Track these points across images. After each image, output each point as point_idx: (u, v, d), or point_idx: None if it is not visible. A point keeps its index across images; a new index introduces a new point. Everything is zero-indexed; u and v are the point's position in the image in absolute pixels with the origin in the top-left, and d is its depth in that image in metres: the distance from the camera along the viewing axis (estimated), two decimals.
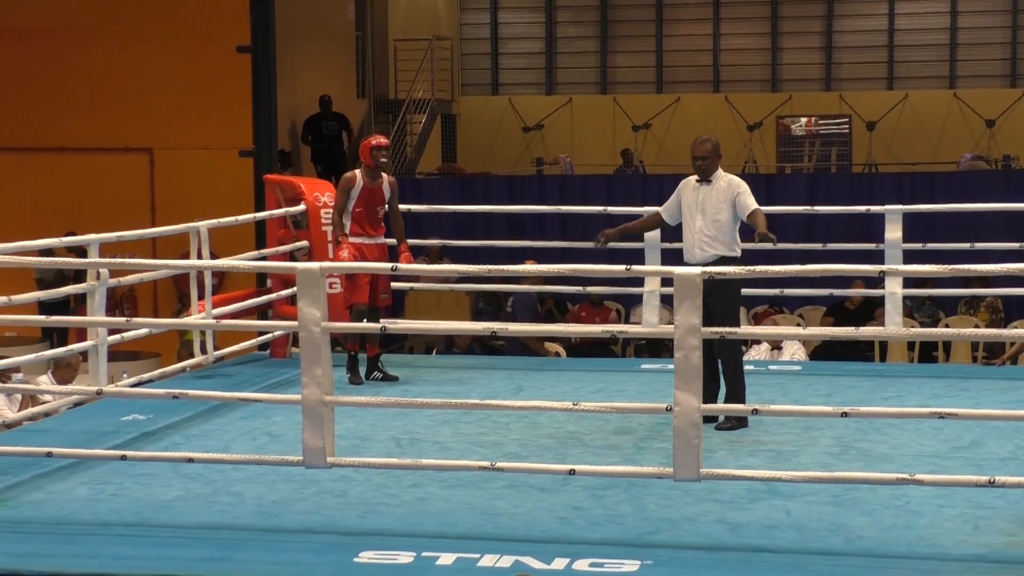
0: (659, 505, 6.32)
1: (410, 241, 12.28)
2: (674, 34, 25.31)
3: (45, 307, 13.61)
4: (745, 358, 11.78)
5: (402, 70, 22.99)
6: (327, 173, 19.11)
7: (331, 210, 10.17)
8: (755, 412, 6.29)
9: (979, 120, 23.17)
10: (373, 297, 9.27)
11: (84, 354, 8.57)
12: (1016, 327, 13.90)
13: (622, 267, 6.33)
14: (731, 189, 8.09)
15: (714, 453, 7.15)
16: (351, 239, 9.19)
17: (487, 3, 25.88)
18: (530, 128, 24.53)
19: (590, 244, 8.89)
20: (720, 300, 7.80)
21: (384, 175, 9.32)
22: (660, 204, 8.52)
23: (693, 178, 8.23)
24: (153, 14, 16.65)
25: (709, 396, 7.97)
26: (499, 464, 6.22)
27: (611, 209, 11.44)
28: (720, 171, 8.21)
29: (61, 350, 9.01)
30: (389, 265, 6.45)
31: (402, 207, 9.69)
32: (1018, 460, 7.13)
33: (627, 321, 15.69)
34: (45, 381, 10.13)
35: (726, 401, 8.04)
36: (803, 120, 23.78)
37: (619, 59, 25.57)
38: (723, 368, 8.11)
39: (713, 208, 8.07)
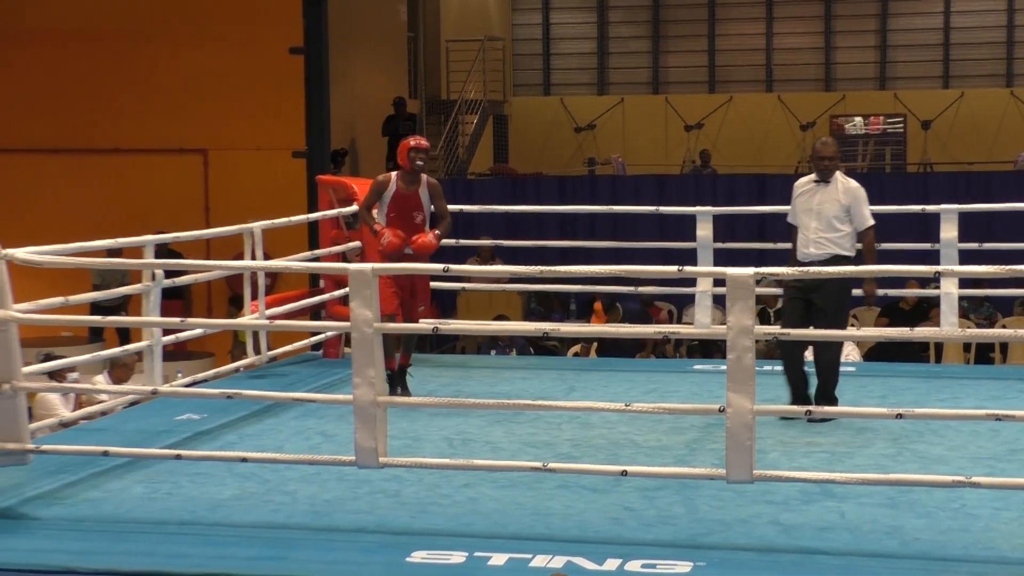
0: (711, 506, 6.30)
1: (462, 242, 12.37)
2: (727, 33, 25.22)
3: (98, 308, 13.74)
4: None
5: (454, 71, 23.03)
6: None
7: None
8: (809, 414, 6.25)
9: None
10: (407, 311, 8.67)
11: (139, 354, 8.63)
12: None
13: (674, 268, 6.31)
14: (848, 195, 8.28)
15: (767, 454, 7.12)
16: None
17: (539, 3, 25.88)
18: (582, 128, 24.50)
19: (642, 244, 8.89)
20: (826, 297, 8.02)
21: (423, 178, 8.77)
22: (713, 204, 8.54)
23: (805, 178, 8.44)
24: (207, 16, 16.76)
25: (799, 391, 8.22)
26: (551, 465, 6.22)
27: (663, 209, 11.42)
28: (838, 173, 8.40)
29: (117, 350, 9.08)
30: (441, 266, 6.45)
31: (454, 207, 9.58)
32: None
33: (679, 322, 15.65)
34: (101, 381, 10.22)
35: (817, 393, 8.19)
36: (858, 120, 23.62)
37: (671, 59, 25.50)
38: (822, 363, 8.26)
39: (832, 212, 8.26)
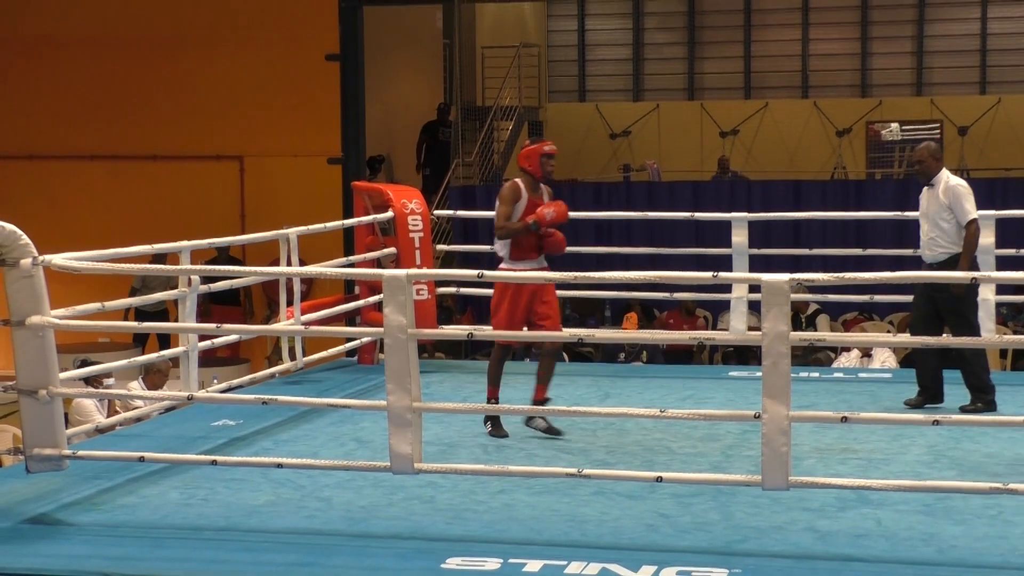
0: (747, 513, 6.27)
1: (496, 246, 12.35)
2: (762, 39, 25.14)
3: (141, 314, 13.81)
4: (835, 365, 11.72)
5: (489, 77, 23.04)
6: (435, 176, 19.27)
7: (418, 217, 10.24)
8: (845, 420, 6.22)
9: None
10: (540, 328, 7.92)
11: (175, 360, 8.67)
12: None
13: (709, 274, 6.29)
14: (948, 193, 8.52)
15: (803, 461, 7.09)
16: (509, 267, 7.93)
17: (575, 10, 25.87)
18: (617, 135, 24.47)
19: (678, 250, 8.90)
20: (946, 305, 8.36)
21: (543, 187, 8.11)
22: (748, 210, 8.54)
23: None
24: (243, 23, 16.84)
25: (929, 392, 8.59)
26: (586, 471, 6.21)
27: (698, 215, 11.39)
28: (943, 173, 8.65)
29: (152, 356, 9.12)
30: (475, 272, 6.44)
31: (488, 213, 9.55)
32: None
33: (715, 328, 15.61)
34: (136, 387, 10.26)
35: (968, 382, 8.53)
36: (894, 125, 23.49)
37: (707, 65, 25.44)
38: (966, 371, 8.58)
39: (935, 212, 8.54)
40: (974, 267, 8.59)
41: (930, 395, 8.70)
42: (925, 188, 8.70)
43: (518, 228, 7.87)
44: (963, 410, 8.43)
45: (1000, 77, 24.10)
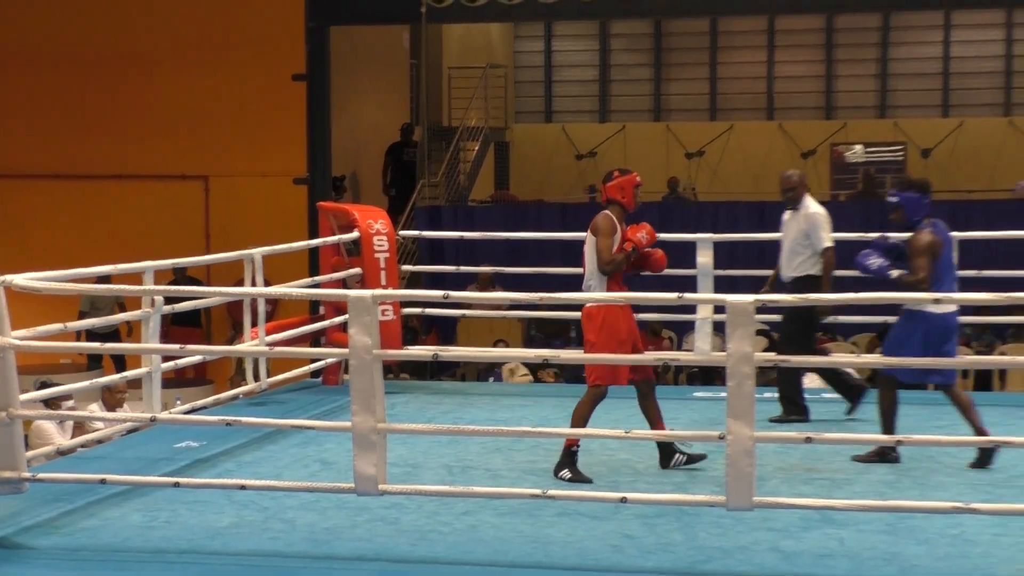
0: (711, 533, 6.27)
1: (463, 268, 12.36)
2: (728, 61, 25.26)
3: (93, 336, 13.71)
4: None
5: (456, 98, 23.06)
6: (401, 199, 19.27)
7: (383, 237, 10.22)
8: (809, 440, 6.24)
9: None
10: (641, 370, 7.59)
11: (133, 380, 8.61)
12: None
13: (674, 295, 6.31)
14: (808, 220, 9.00)
15: (767, 481, 7.10)
16: (603, 304, 7.48)
17: (541, 32, 25.93)
18: (583, 155, 24.53)
19: (643, 272, 8.90)
20: (786, 322, 8.82)
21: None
22: (713, 231, 8.62)
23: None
24: (209, 42, 16.80)
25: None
26: (551, 492, 6.20)
27: (664, 236, 11.39)
28: (807, 199, 9.11)
29: (115, 377, 9.06)
30: (441, 293, 6.43)
31: (453, 234, 9.58)
32: None
33: (680, 348, 15.63)
34: (96, 408, 10.19)
35: (783, 394, 8.97)
36: (858, 148, 23.64)
37: (673, 86, 25.55)
38: (779, 381, 8.99)
39: (794, 236, 8.99)
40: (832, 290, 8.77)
41: (796, 411, 9.02)
42: (789, 212, 9.11)
43: (622, 259, 7.59)
44: (773, 420, 8.85)
45: (962, 100, 24.29)
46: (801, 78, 25.05)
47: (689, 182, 23.01)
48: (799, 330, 8.99)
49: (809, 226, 9.02)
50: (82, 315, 14.37)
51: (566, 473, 7.30)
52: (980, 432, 7.69)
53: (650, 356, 7.13)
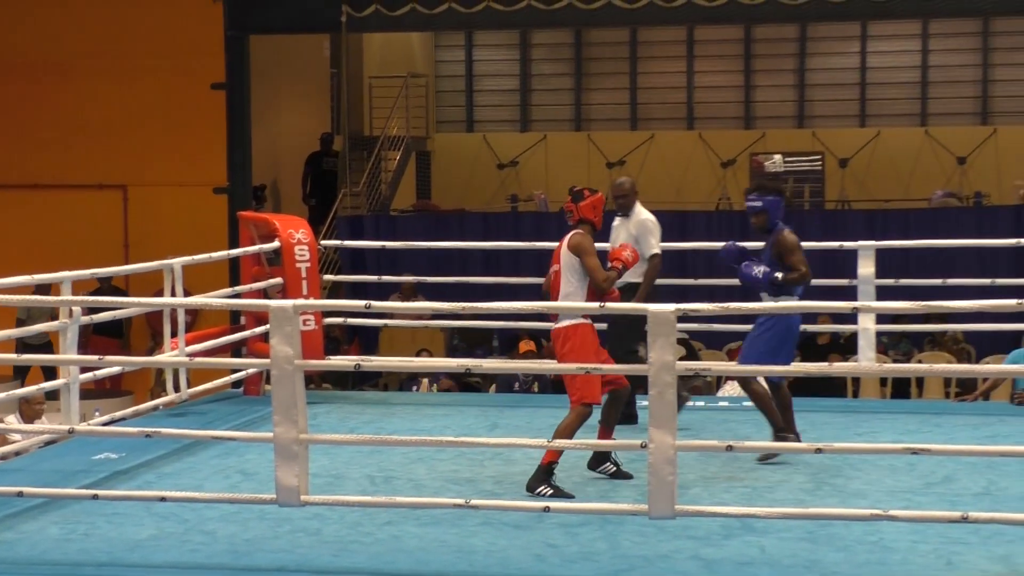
0: (634, 542, 6.30)
1: (384, 278, 12.33)
2: (648, 71, 25.39)
3: (25, 346, 13.54)
4: (720, 394, 11.84)
5: (377, 107, 23.01)
6: (321, 207, 19.18)
7: (305, 247, 10.18)
8: (730, 449, 6.29)
9: (951, 157, 23.29)
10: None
11: (49, 393, 8.51)
12: (988, 363, 13.95)
13: (595, 304, 6.35)
14: (638, 226, 9.08)
15: (689, 490, 7.15)
16: (583, 321, 7.41)
17: (462, 41, 25.94)
18: (505, 165, 24.55)
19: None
20: (613, 330, 8.79)
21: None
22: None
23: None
24: (128, 50, 16.65)
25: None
26: (474, 501, 6.21)
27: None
28: (637, 206, 9.20)
29: (32, 388, 8.96)
30: (363, 303, 6.42)
31: (375, 244, 9.57)
32: (991, 496, 7.15)
33: None
34: (13, 420, 10.05)
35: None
36: (777, 157, 23.86)
37: (593, 96, 25.64)
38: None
39: (623, 241, 8.88)
40: (653, 298, 8.75)
41: (625, 416, 8.77)
42: (619, 219, 9.19)
43: (616, 276, 7.62)
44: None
45: (879, 110, 24.56)
46: (720, 88, 25.24)
47: (609, 193, 23.09)
48: (626, 337, 8.91)
49: (639, 232, 9.07)
50: (20, 323, 14.22)
51: (546, 489, 7.15)
52: (779, 430, 8.09)
53: (573, 367, 7.14)
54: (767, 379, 8.30)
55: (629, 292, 8.93)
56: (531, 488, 7.17)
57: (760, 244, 8.52)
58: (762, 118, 24.96)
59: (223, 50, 16.27)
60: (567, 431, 7.23)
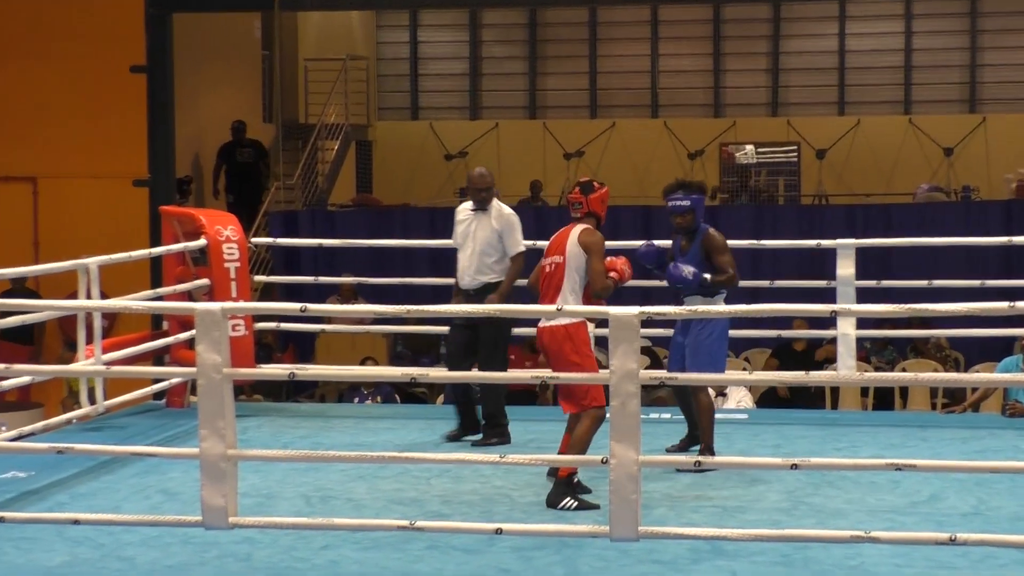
0: (594, 567, 6.31)
1: (321, 279, 12.30)
2: (609, 54, 25.46)
3: None
4: None
5: (313, 92, 22.96)
6: (241, 204, 19.07)
7: (234, 245, 10.14)
8: (698, 465, 6.30)
9: (936, 148, 23.48)
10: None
11: None
12: (977, 371, 14.06)
13: (552, 307, 6.35)
14: (502, 221, 9.14)
15: (653, 510, 7.16)
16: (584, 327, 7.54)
17: (406, 21, 25.93)
18: (453, 156, 24.56)
19: (519, 282, 9.01)
20: (486, 334, 8.84)
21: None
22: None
23: (466, 205, 9.29)
24: (38, 31, 16.52)
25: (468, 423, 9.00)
26: (419, 523, 6.19)
27: (542, 243, 11.44)
28: (495, 200, 9.30)
29: None
30: (298, 305, 6.40)
31: (311, 241, 9.61)
32: (981, 515, 7.19)
33: None
34: None
35: (484, 417, 8.96)
36: (749, 148, 23.99)
37: (549, 81, 25.68)
38: (483, 399, 9.00)
39: (485, 238, 9.06)
40: (512, 299, 8.95)
41: (467, 427, 9.13)
42: (473, 212, 9.21)
43: (612, 288, 7.71)
44: (476, 444, 8.91)
45: (859, 97, 24.72)
46: (687, 73, 25.34)
47: (568, 185, 23.13)
48: (497, 342, 9.00)
49: (504, 228, 9.14)
50: None
51: (570, 502, 7.24)
52: (692, 436, 8.48)
53: (526, 373, 7.15)
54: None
55: (486, 294, 8.98)
56: (553, 503, 7.27)
57: (668, 243, 8.72)
58: (732, 105, 25.08)
59: (143, 30, 16.17)
60: (584, 438, 7.32)
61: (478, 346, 9.01)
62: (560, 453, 7.64)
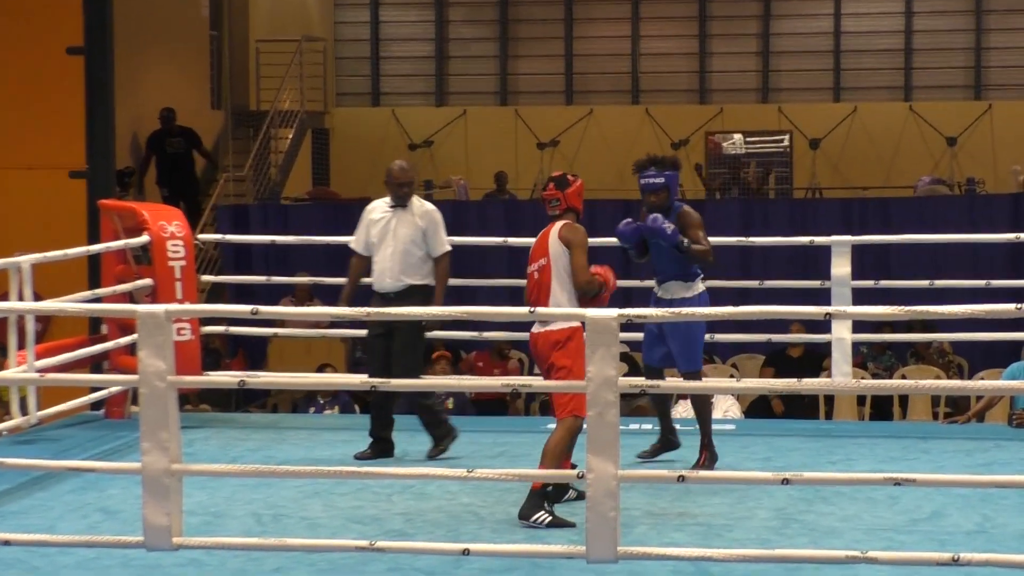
0: None
1: (274, 279, 12.29)
2: (586, 36, 25.49)
3: None
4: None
5: (265, 76, 22.91)
6: (175, 198, 18.98)
7: (179, 242, 10.12)
8: (682, 480, 6.30)
9: (939, 138, 23.57)
10: None
11: None
12: (982, 378, 14.12)
13: (525, 309, 6.35)
14: (426, 219, 9.13)
15: (634, 528, 7.16)
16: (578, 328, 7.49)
17: None
18: (417, 145, 24.56)
19: (488, 281, 9.03)
20: (402, 341, 8.82)
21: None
22: None
23: (381, 202, 9.26)
24: None
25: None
26: (379, 543, 6.18)
27: (513, 241, 11.47)
28: (415, 197, 9.27)
29: None
30: (249, 308, 6.39)
31: (263, 238, 9.58)
32: (986, 534, 7.22)
33: (531, 373, 15.71)
34: None
35: (425, 423, 8.98)
36: (737, 137, 24.04)
37: (522, 65, 25.69)
38: (421, 417, 9.00)
39: (408, 236, 9.04)
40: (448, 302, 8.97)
41: (381, 449, 9.13)
42: (392, 211, 9.15)
43: (597, 285, 7.74)
44: (431, 456, 8.97)
45: (856, 82, 24.79)
46: (671, 56, 25.38)
47: (542, 177, 23.15)
48: (416, 347, 9.03)
49: (428, 225, 9.12)
50: None
51: (543, 516, 7.27)
52: (665, 442, 8.68)
53: (496, 381, 7.15)
54: (685, 366, 8.58)
55: (410, 296, 8.91)
56: (525, 516, 7.29)
57: None
58: (719, 91, 25.13)
59: (81, 8, 16.12)
60: (555, 450, 7.31)
61: (393, 353, 8.96)
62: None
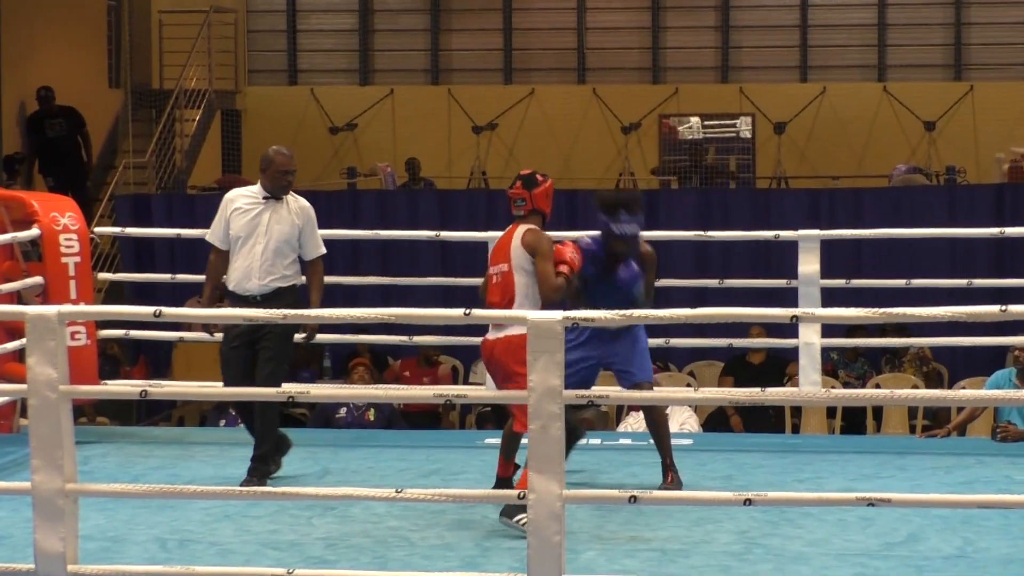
0: None
1: (180, 277, 12.24)
2: (527, 8, 25.51)
3: None
4: (621, 428, 11.92)
5: (169, 51, 22.82)
6: (61, 187, 18.85)
7: (73, 235, 10.07)
8: (633, 500, 6.32)
9: (916, 122, 23.70)
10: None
11: None
12: (963, 387, 14.22)
13: (459, 311, 6.35)
14: (303, 215, 9.03)
15: (581, 554, 7.18)
16: None
17: None
18: (339, 128, 24.52)
19: (419, 280, 9.02)
20: (273, 340, 8.72)
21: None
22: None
23: (244, 190, 9.11)
24: None
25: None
26: (298, 571, 6.18)
27: (446, 235, 11.47)
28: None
29: None
30: (152, 309, 6.36)
31: (168, 232, 9.51)
32: (967, 559, 7.28)
33: (466, 382, 15.73)
34: None
35: (254, 454, 8.84)
36: (694, 120, 24.11)
37: (455, 40, 25.70)
38: (259, 422, 8.90)
39: (285, 233, 8.92)
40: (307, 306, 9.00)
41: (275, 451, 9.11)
42: (265, 203, 8.98)
43: (566, 285, 7.95)
44: (243, 483, 8.74)
45: (825, 61, 24.89)
46: (621, 30, 25.43)
47: (478, 164, 23.17)
48: (283, 357, 8.96)
49: (305, 221, 9.04)
50: None
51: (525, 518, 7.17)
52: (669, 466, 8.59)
53: (428, 391, 7.16)
54: (635, 381, 8.64)
55: (277, 300, 8.75)
56: (508, 515, 7.45)
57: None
58: (674, 69, 25.18)
59: None
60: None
61: (259, 361, 8.85)
62: (497, 475, 7.88)
